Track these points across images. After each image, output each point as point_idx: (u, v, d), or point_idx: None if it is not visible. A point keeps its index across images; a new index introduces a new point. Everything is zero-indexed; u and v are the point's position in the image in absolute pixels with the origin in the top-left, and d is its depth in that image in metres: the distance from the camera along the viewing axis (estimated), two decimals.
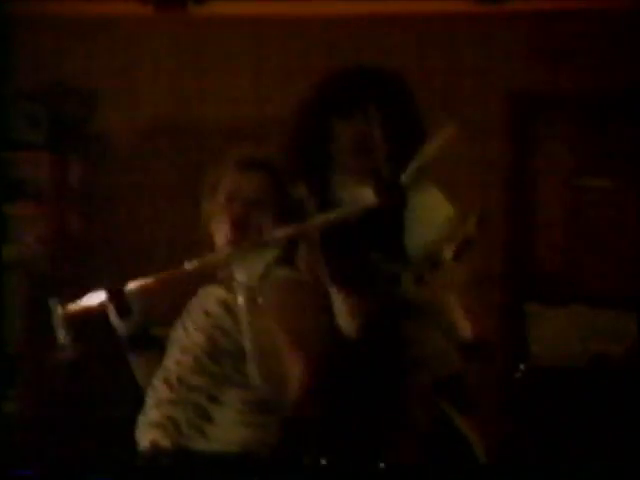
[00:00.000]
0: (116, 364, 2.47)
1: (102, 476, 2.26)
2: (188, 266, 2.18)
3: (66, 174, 4.78)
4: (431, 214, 2.26)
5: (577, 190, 4.71)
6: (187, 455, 2.20)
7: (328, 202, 2.29)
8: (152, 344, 2.41)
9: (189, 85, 4.87)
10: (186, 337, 2.36)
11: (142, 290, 2.28)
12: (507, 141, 4.69)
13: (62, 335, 2.28)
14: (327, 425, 2.29)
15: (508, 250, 4.64)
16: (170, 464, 2.20)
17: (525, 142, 4.72)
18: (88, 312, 2.31)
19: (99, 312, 2.33)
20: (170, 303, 2.37)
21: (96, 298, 2.32)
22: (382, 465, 2.18)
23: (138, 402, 2.37)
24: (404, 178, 2.13)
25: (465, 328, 2.21)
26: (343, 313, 2.22)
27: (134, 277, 2.34)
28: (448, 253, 2.21)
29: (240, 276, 2.14)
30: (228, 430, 2.22)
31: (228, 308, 2.30)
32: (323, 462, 2.19)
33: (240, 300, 2.14)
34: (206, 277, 2.40)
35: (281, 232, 2.15)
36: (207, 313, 2.36)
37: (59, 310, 2.28)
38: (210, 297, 2.39)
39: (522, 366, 4.27)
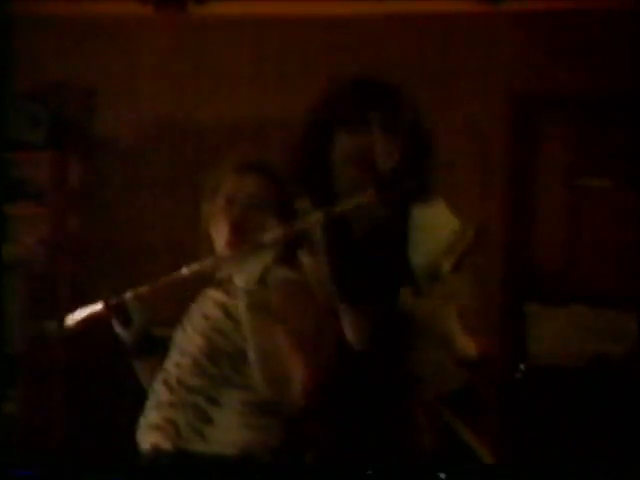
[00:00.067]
0: (116, 365, 2.48)
1: (102, 477, 2.26)
2: (184, 271, 2.19)
3: (66, 174, 4.78)
4: (436, 227, 2.26)
5: (577, 190, 4.71)
6: (187, 457, 2.20)
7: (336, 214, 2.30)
8: (155, 349, 2.42)
9: (189, 85, 4.87)
10: (185, 340, 2.36)
11: (140, 297, 2.28)
12: (507, 141, 4.69)
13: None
14: (329, 431, 2.29)
15: (508, 250, 4.64)
16: (170, 466, 2.20)
17: (525, 142, 4.71)
18: (87, 325, 2.32)
19: (99, 322, 2.33)
20: (173, 304, 2.37)
21: (94, 309, 2.32)
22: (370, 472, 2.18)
23: (139, 403, 2.37)
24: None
25: (468, 346, 2.21)
26: (349, 326, 2.22)
27: (134, 277, 2.34)
28: (446, 266, 2.21)
29: (239, 280, 2.15)
30: (228, 432, 2.22)
31: (227, 311, 2.31)
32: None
33: (241, 304, 2.14)
34: (206, 280, 2.40)
35: (272, 234, 2.15)
36: (206, 316, 2.36)
37: (57, 331, 2.30)
38: (208, 300, 2.40)
39: (522, 366, 4.27)
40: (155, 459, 2.23)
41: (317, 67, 4.74)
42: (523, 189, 4.74)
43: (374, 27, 4.73)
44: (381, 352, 2.22)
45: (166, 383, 2.31)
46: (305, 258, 2.29)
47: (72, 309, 2.33)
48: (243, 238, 2.26)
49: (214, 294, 2.39)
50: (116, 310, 2.35)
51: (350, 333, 2.21)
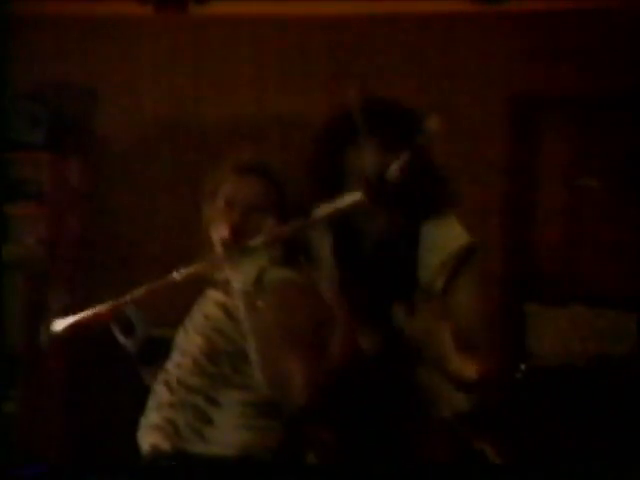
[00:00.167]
0: (117, 365, 2.47)
1: (102, 477, 2.26)
2: (176, 276, 2.19)
3: (66, 174, 4.78)
4: (440, 244, 2.27)
5: (577, 190, 4.70)
6: (186, 458, 2.20)
7: (346, 231, 2.31)
8: (159, 354, 2.41)
9: (189, 85, 4.87)
10: (186, 340, 2.37)
11: (137, 302, 2.28)
12: (507, 141, 4.69)
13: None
14: (331, 433, 2.30)
15: (508, 250, 4.64)
16: (170, 467, 2.20)
17: (525, 142, 4.71)
18: (84, 330, 2.31)
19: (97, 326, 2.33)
20: (175, 305, 2.37)
21: (92, 313, 2.32)
22: None
23: (139, 404, 2.37)
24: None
25: (466, 368, 2.20)
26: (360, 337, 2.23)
27: (134, 277, 2.34)
28: (439, 283, 2.21)
29: (235, 282, 2.16)
30: (227, 433, 2.22)
31: (227, 311, 2.31)
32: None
33: (239, 306, 2.15)
34: (207, 281, 2.40)
35: (261, 238, 2.16)
36: (206, 316, 2.36)
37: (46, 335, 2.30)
38: (209, 300, 2.40)
39: (522, 366, 4.27)
40: (155, 460, 2.23)
41: (317, 67, 4.74)
42: (523, 189, 4.73)
43: (374, 27, 4.73)
44: (388, 362, 2.22)
45: (167, 384, 2.31)
46: (313, 272, 2.31)
47: (71, 310, 2.33)
48: (242, 240, 2.26)
49: (214, 294, 2.40)
50: (117, 320, 2.34)
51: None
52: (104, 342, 2.52)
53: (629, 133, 4.62)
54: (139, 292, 2.24)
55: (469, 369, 2.19)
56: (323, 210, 2.17)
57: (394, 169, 2.07)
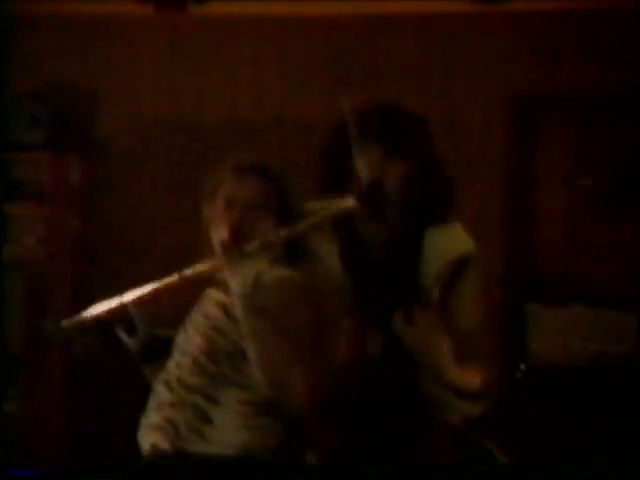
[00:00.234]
0: (117, 364, 2.48)
1: (102, 477, 2.26)
2: (175, 277, 2.19)
3: (66, 174, 4.78)
4: (443, 251, 2.27)
5: (577, 190, 4.70)
6: (186, 458, 2.20)
7: (351, 240, 2.31)
8: (162, 353, 2.41)
9: (189, 85, 4.87)
10: (186, 339, 2.37)
11: (139, 303, 2.28)
12: (507, 141, 4.69)
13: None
14: (332, 434, 2.29)
15: (508, 250, 4.64)
16: (170, 467, 2.20)
17: (525, 142, 4.71)
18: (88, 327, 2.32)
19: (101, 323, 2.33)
20: (177, 305, 2.37)
21: (95, 311, 2.32)
22: None
23: (139, 404, 2.37)
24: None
25: (465, 379, 2.19)
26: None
27: (134, 277, 2.34)
28: (435, 292, 2.21)
29: (233, 285, 2.16)
30: (227, 432, 2.22)
31: (227, 311, 2.31)
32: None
33: (237, 309, 2.15)
34: (207, 280, 2.40)
35: (257, 242, 2.16)
36: (206, 316, 2.37)
37: (55, 332, 2.30)
38: (209, 300, 2.40)
39: (522, 366, 4.27)
40: (155, 459, 2.23)
41: (317, 67, 4.74)
42: (523, 189, 4.73)
43: (374, 27, 4.73)
44: (390, 367, 2.22)
45: (167, 383, 2.31)
46: (314, 272, 2.31)
47: (71, 309, 2.33)
48: (242, 241, 2.26)
49: (214, 294, 2.40)
50: (119, 320, 2.35)
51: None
52: (104, 342, 2.53)
53: (629, 133, 4.63)
54: (144, 292, 2.24)
55: (469, 380, 2.19)
56: (318, 214, 2.17)
57: (393, 177, 2.07)
